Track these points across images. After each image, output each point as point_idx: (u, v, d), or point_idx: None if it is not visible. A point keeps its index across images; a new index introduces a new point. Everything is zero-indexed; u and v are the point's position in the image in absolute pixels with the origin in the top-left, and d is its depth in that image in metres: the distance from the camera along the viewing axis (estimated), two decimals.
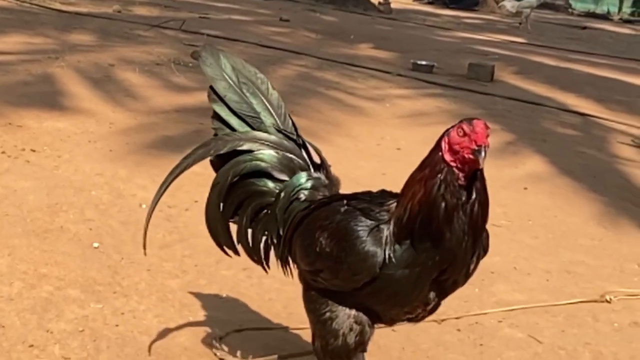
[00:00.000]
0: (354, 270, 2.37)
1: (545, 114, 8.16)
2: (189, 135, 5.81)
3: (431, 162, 2.29)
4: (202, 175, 4.99)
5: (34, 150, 5.29)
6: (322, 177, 2.73)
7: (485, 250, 2.46)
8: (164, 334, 3.32)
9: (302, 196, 2.68)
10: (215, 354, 3.16)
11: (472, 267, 2.40)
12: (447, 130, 2.29)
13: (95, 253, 3.93)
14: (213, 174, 4.96)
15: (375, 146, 6.42)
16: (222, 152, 2.75)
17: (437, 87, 9.19)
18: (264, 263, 2.85)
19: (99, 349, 3.15)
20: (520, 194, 5.59)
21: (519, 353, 3.48)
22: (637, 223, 5.25)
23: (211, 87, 2.81)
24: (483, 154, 2.20)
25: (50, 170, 4.97)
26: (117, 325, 3.33)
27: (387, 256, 2.32)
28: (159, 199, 2.82)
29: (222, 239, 2.89)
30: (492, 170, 6.01)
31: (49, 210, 4.35)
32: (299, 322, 3.51)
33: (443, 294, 2.44)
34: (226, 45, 10.18)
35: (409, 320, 2.53)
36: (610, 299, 4.04)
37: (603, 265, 4.54)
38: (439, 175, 2.26)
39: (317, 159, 2.77)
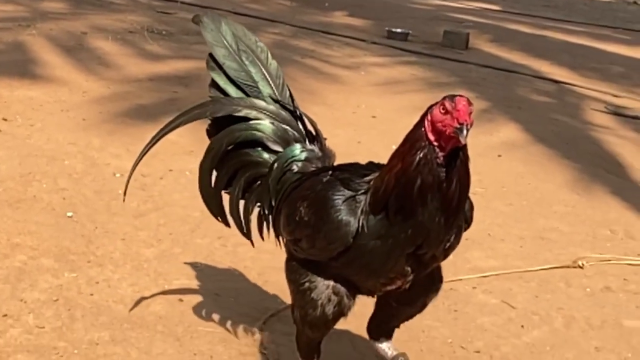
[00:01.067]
0: (329, 239, 2.37)
1: (519, 82, 8.18)
2: (162, 103, 5.78)
3: (413, 137, 2.27)
4: (177, 144, 5.02)
5: (5, 120, 5.24)
6: (316, 149, 2.72)
7: (468, 222, 2.45)
8: (139, 302, 3.32)
9: (295, 168, 2.67)
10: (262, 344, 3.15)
11: (450, 242, 2.38)
12: (431, 106, 2.27)
13: (69, 222, 3.92)
14: (188, 144, 5.01)
15: (350, 114, 6.41)
16: (218, 115, 2.74)
17: (412, 55, 9.16)
18: (251, 235, 2.85)
19: (74, 318, 3.15)
20: (495, 161, 5.61)
21: (492, 318, 3.51)
22: (609, 189, 5.28)
23: (210, 55, 2.77)
24: (465, 132, 2.17)
25: (22, 140, 4.93)
26: (91, 295, 3.33)
27: (360, 226, 2.32)
28: (146, 152, 2.87)
29: (214, 208, 2.89)
30: (468, 138, 6.03)
31: (22, 180, 4.32)
32: (275, 290, 3.53)
33: (422, 267, 2.41)
34: (200, 12, 10.08)
35: (392, 291, 2.50)
36: (583, 264, 4.07)
37: (576, 232, 4.57)
38: (419, 152, 2.23)
39: (312, 131, 2.75)
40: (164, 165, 4.68)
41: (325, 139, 2.77)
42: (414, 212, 2.25)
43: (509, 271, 3.96)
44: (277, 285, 3.56)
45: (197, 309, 3.33)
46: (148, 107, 5.71)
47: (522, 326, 3.49)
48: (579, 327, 3.53)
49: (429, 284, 2.56)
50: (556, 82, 8.34)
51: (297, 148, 2.70)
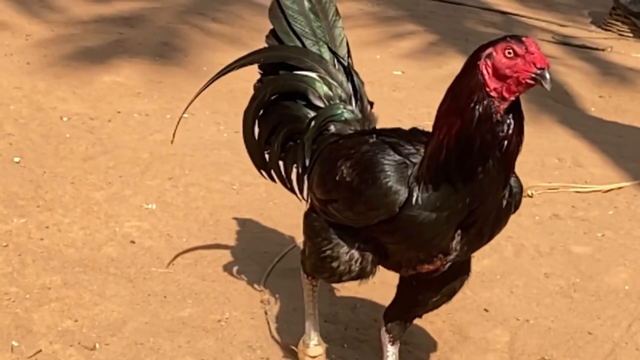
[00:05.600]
0: (371, 205, 2.20)
1: (467, 14, 8.16)
2: (108, 45, 5.68)
3: (467, 89, 2.06)
4: (125, 85, 4.97)
5: None
6: (357, 111, 2.58)
7: (516, 206, 2.31)
8: (90, 245, 3.32)
9: (333, 128, 2.54)
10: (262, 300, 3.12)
11: (501, 214, 2.24)
12: (483, 50, 2.06)
13: (17, 168, 3.87)
14: (136, 85, 4.96)
15: None
16: (270, 60, 2.64)
17: None
18: (296, 192, 2.70)
19: (25, 263, 3.13)
20: (444, 93, 5.62)
21: None
22: (557, 118, 5.33)
23: (277, 1, 2.66)
24: (548, 76, 1.99)
25: None
26: (42, 239, 3.31)
27: (414, 196, 2.14)
28: (202, 90, 2.75)
29: (258, 161, 2.77)
30: (416, 71, 6.06)
31: None
32: (226, 229, 3.53)
33: (467, 245, 2.26)
34: None
35: (423, 275, 2.36)
36: (532, 193, 4.13)
37: (525, 161, 4.61)
38: (478, 106, 2.03)
39: (359, 92, 2.62)
40: (112, 108, 4.63)
41: (371, 103, 2.65)
42: (475, 177, 2.08)
43: None
44: (228, 223, 3.58)
45: (149, 251, 3.33)
46: (94, 49, 5.61)
47: (473, 256, 3.53)
48: (528, 254, 3.60)
49: (459, 272, 2.42)
50: (503, 13, 8.34)
51: (338, 107, 2.56)
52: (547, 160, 4.65)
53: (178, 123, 2.95)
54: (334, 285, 3.11)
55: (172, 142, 3.11)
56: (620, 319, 3.20)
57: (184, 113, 2.81)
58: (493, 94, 2.04)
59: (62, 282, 3.05)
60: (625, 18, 7.63)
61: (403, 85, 5.65)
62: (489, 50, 2.05)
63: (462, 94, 2.07)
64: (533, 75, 2.00)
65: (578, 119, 5.41)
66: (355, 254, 2.34)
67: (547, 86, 1.98)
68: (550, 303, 3.28)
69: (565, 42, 7.20)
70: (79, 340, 2.77)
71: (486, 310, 3.17)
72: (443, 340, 2.99)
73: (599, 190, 4.26)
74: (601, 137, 5.02)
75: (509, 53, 2.02)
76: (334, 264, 2.36)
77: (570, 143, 4.92)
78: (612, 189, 4.29)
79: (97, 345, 2.76)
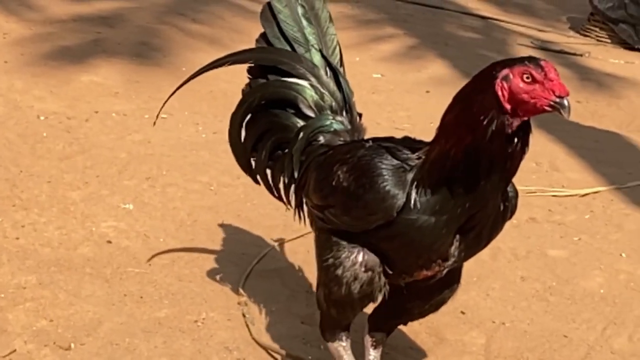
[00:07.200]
0: (369, 210, 2.18)
1: (446, 18, 8.18)
2: (87, 44, 5.65)
3: (480, 105, 2.03)
4: (103, 85, 4.94)
5: None
6: (346, 121, 2.54)
7: (512, 212, 2.32)
8: (66, 245, 3.30)
9: (322, 139, 2.50)
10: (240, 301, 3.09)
11: (498, 219, 2.25)
12: (499, 70, 2.03)
13: None
14: (114, 85, 4.94)
15: None
16: (263, 62, 2.60)
17: None
18: (283, 199, 2.67)
19: (0, 263, 3.11)
20: (423, 97, 5.64)
21: None
22: (535, 123, 5.21)
23: (269, 4, 2.62)
24: (568, 105, 1.96)
25: None
26: (17, 238, 3.28)
27: (412, 200, 2.12)
28: (185, 82, 2.71)
29: (243, 164, 2.73)
30: (396, 75, 6.07)
31: None
32: (204, 230, 3.52)
33: (465, 251, 2.26)
34: None
35: (416, 282, 2.34)
36: None
37: None
38: (492, 124, 2.01)
39: (349, 102, 2.59)
40: (89, 107, 4.60)
41: (360, 114, 2.62)
42: (478, 186, 2.07)
43: None
44: (206, 224, 3.57)
45: (125, 251, 3.31)
46: (72, 49, 5.58)
47: None
48: (505, 257, 3.61)
49: (449, 281, 2.40)
50: (483, 17, 8.38)
51: (327, 118, 2.52)
52: (525, 164, 4.56)
53: (157, 116, 2.91)
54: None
55: (154, 123, 3.02)
56: (595, 323, 3.22)
57: (164, 105, 2.78)
58: (508, 113, 2.02)
59: (38, 282, 3.03)
60: (603, 24, 7.68)
61: (382, 88, 5.66)
62: (506, 72, 2.02)
63: (474, 109, 2.05)
64: (552, 104, 1.98)
65: (556, 123, 5.42)
66: (359, 258, 2.27)
67: (566, 115, 1.96)
68: (526, 306, 3.29)
69: (543, 48, 7.23)
70: (54, 340, 2.75)
71: (463, 312, 3.18)
72: (419, 342, 2.99)
73: (576, 195, 4.28)
74: (578, 142, 5.04)
75: (527, 78, 1.99)
76: (339, 272, 2.28)
77: (548, 147, 4.94)
78: (589, 194, 4.31)
79: (72, 345, 2.74)
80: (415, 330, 3.01)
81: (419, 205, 2.13)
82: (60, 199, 3.62)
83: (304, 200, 2.52)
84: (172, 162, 4.06)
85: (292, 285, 3.23)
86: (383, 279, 2.30)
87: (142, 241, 3.39)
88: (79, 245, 3.30)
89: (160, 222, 3.55)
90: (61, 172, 3.86)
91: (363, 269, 2.27)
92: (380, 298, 2.33)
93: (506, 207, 2.27)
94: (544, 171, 4.60)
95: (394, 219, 2.15)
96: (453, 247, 2.23)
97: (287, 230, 3.49)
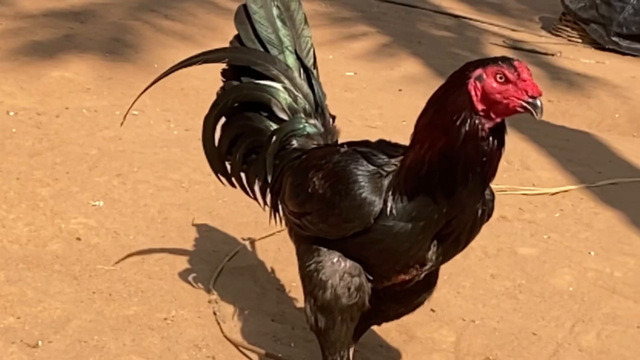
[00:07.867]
0: (345, 217, 2.17)
1: (420, 16, 8.21)
2: (58, 40, 5.62)
3: (453, 106, 2.02)
4: (74, 81, 4.91)
5: None
6: (319, 124, 2.53)
7: (489, 215, 2.28)
8: (35, 242, 3.27)
9: (295, 143, 2.49)
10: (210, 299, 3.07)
11: (476, 223, 2.22)
12: (472, 70, 2.02)
13: None
14: (85, 81, 4.91)
15: None
16: (237, 63, 2.58)
17: None
18: (259, 200, 2.64)
19: None
20: (396, 95, 5.65)
21: None
22: (506, 122, 5.37)
23: (244, 6, 2.59)
24: (541, 105, 1.95)
25: None
26: None
27: (388, 207, 2.11)
28: (156, 81, 2.67)
29: (216, 167, 2.70)
30: (368, 73, 6.08)
31: None
32: (175, 227, 3.51)
33: (442, 255, 2.25)
34: None
35: (393, 285, 2.33)
36: None
37: None
38: (465, 125, 2.00)
39: (321, 105, 2.57)
40: (60, 103, 4.57)
41: (333, 116, 2.60)
42: (455, 191, 2.05)
43: None
44: (177, 222, 3.55)
45: (95, 248, 3.29)
46: (43, 44, 5.54)
47: None
48: (475, 255, 3.62)
49: (426, 284, 2.40)
50: (456, 17, 8.41)
51: (300, 121, 2.51)
52: None
53: (127, 113, 2.90)
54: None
55: (122, 123, 3.01)
56: (564, 320, 3.24)
57: (134, 102, 2.76)
58: (481, 114, 2.01)
59: (5, 279, 3.00)
60: (574, 24, 7.73)
61: (355, 86, 5.66)
62: (479, 72, 2.02)
63: (447, 110, 2.04)
64: (524, 104, 1.98)
65: (527, 122, 5.43)
66: (342, 262, 2.25)
67: (538, 116, 1.96)
68: (496, 304, 3.31)
69: (515, 47, 7.27)
70: (21, 338, 2.73)
71: (433, 310, 3.19)
72: (390, 340, 3.00)
73: (546, 193, 4.31)
74: (549, 141, 5.07)
75: (500, 78, 1.98)
76: (322, 276, 2.25)
77: (519, 146, 4.96)
78: (559, 192, 4.34)
79: (40, 343, 2.71)
80: (385, 328, 3.01)
81: (395, 212, 2.12)
82: (30, 196, 3.59)
83: (280, 206, 2.51)
84: (143, 159, 4.04)
85: (263, 282, 3.22)
86: (369, 284, 2.29)
87: (112, 238, 3.37)
88: (48, 242, 3.28)
89: (131, 220, 3.53)
90: (31, 168, 3.83)
91: (349, 275, 2.25)
92: (367, 304, 2.30)
93: (484, 210, 2.26)
94: (515, 170, 4.62)
95: (371, 226, 2.15)
96: (430, 252, 2.22)
97: (259, 228, 3.49)
